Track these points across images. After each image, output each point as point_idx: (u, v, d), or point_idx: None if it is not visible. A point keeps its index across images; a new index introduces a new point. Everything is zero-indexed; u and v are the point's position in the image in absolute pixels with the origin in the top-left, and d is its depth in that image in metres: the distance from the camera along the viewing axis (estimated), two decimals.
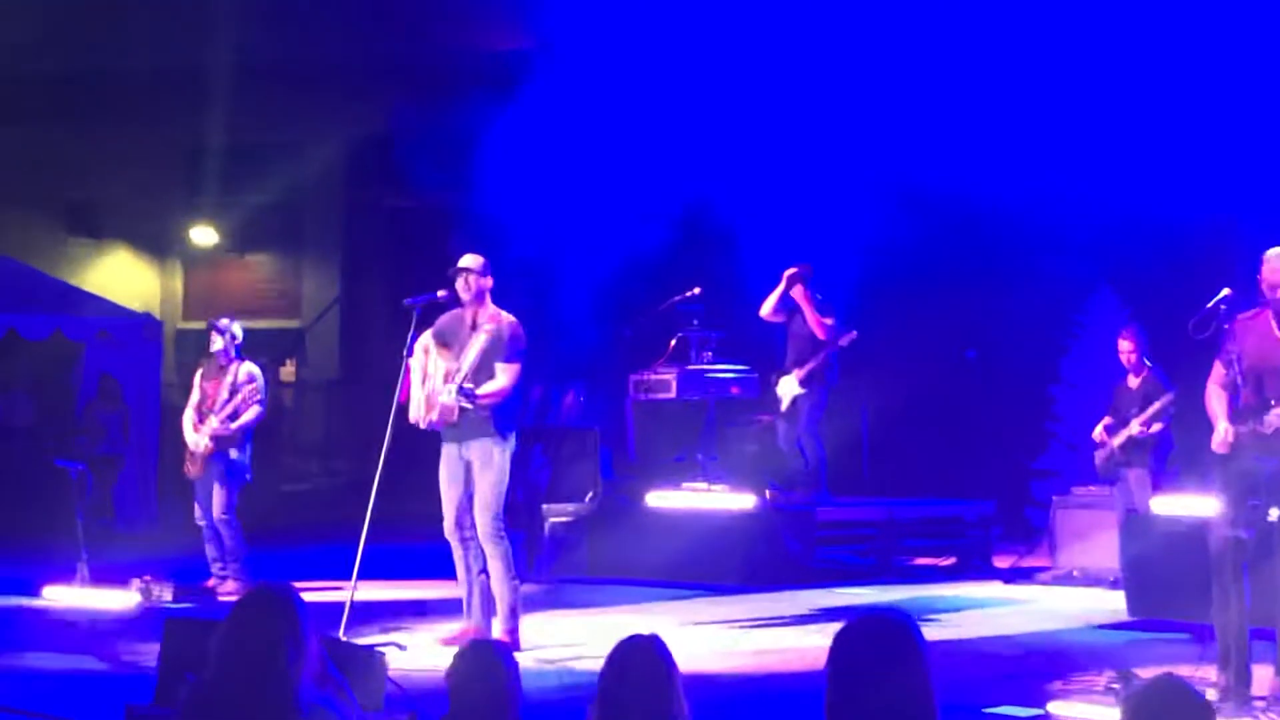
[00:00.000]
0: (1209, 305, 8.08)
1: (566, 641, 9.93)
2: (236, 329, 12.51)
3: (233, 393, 12.27)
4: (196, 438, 12.31)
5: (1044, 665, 9.24)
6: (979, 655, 9.71)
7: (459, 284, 9.59)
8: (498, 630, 9.49)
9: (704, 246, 16.48)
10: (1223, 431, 7.95)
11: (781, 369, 13.94)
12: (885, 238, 15.68)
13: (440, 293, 9.67)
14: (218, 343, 12.42)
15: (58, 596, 11.85)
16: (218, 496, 12.26)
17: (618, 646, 4.35)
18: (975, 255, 16.19)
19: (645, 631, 4.43)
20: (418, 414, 9.61)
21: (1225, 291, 8.10)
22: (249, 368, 12.45)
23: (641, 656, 4.31)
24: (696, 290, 14.59)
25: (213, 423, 12.25)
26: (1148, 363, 12.39)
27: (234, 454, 12.31)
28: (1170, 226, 14.69)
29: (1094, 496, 13.03)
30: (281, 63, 21.78)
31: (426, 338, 9.70)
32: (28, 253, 21.23)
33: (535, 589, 11.82)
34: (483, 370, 9.49)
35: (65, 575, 11.97)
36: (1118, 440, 12.36)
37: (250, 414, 12.32)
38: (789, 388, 13.76)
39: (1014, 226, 15.91)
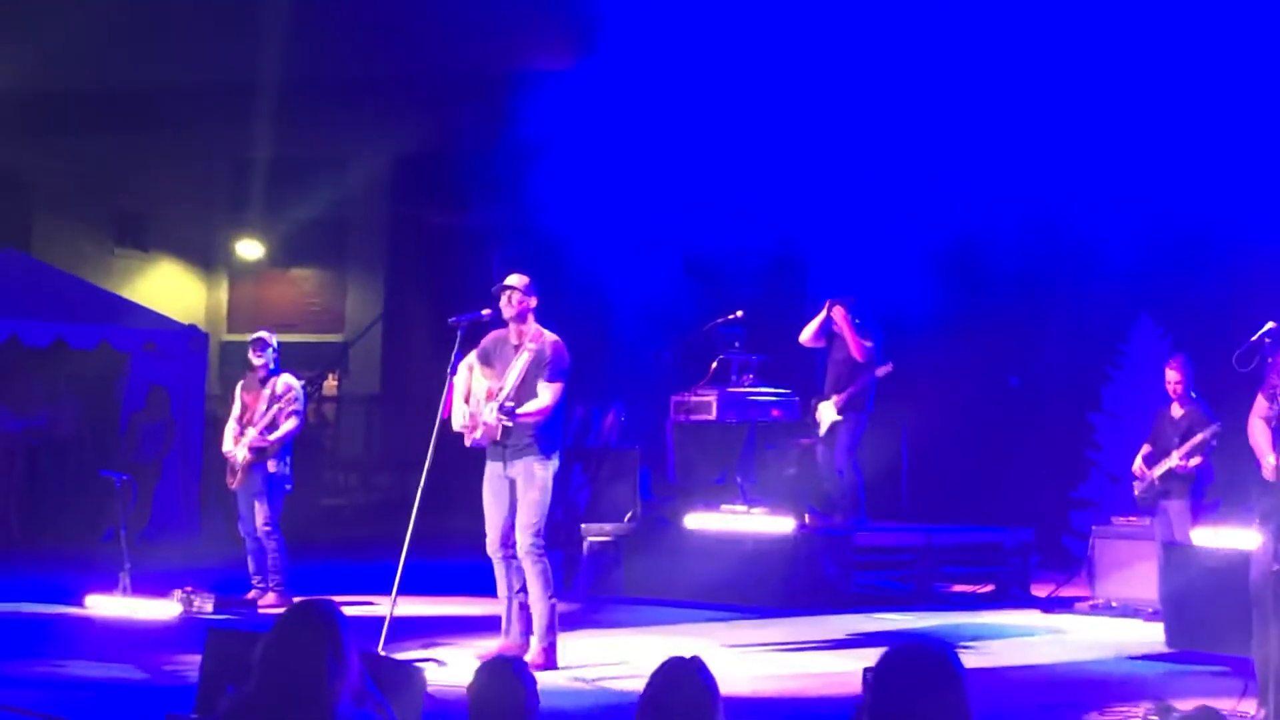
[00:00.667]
0: (1254, 338, 8.06)
1: (603, 661, 9.93)
2: (274, 342, 12.63)
3: (271, 405, 12.37)
4: (235, 449, 12.42)
5: (1081, 695, 9.20)
6: (1016, 684, 9.66)
7: (503, 301, 9.60)
8: (534, 648, 9.50)
9: (749, 271, 16.50)
10: (1272, 464, 7.91)
11: (821, 395, 13.93)
12: (927, 264, 15.66)
13: (485, 312, 9.70)
14: (259, 357, 12.53)
15: (99, 605, 11.93)
16: (260, 509, 12.33)
17: (661, 668, 4.34)
18: (1017, 282, 16.14)
19: (685, 653, 4.42)
20: (462, 423, 9.64)
21: (1270, 325, 8.08)
22: (287, 380, 12.54)
23: (685, 679, 4.29)
24: (739, 313, 14.60)
25: (251, 434, 12.34)
26: (1193, 394, 12.32)
27: (273, 466, 12.38)
28: (1215, 256, 14.63)
29: (1133, 527, 12.99)
30: (327, 78, 21.92)
31: (471, 357, 9.74)
32: (76, 263, 21.45)
33: (572, 608, 11.83)
34: (525, 389, 9.51)
35: (107, 584, 12.03)
36: (1157, 471, 12.28)
37: (288, 426, 12.38)
38: (828, 414, 13.75)
39: (1057, 254, 15.88)
